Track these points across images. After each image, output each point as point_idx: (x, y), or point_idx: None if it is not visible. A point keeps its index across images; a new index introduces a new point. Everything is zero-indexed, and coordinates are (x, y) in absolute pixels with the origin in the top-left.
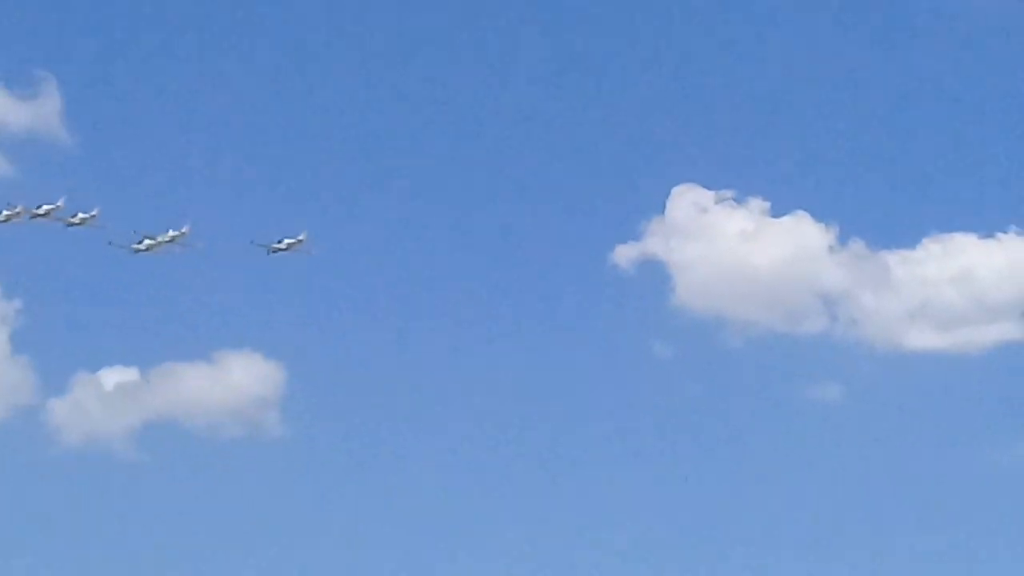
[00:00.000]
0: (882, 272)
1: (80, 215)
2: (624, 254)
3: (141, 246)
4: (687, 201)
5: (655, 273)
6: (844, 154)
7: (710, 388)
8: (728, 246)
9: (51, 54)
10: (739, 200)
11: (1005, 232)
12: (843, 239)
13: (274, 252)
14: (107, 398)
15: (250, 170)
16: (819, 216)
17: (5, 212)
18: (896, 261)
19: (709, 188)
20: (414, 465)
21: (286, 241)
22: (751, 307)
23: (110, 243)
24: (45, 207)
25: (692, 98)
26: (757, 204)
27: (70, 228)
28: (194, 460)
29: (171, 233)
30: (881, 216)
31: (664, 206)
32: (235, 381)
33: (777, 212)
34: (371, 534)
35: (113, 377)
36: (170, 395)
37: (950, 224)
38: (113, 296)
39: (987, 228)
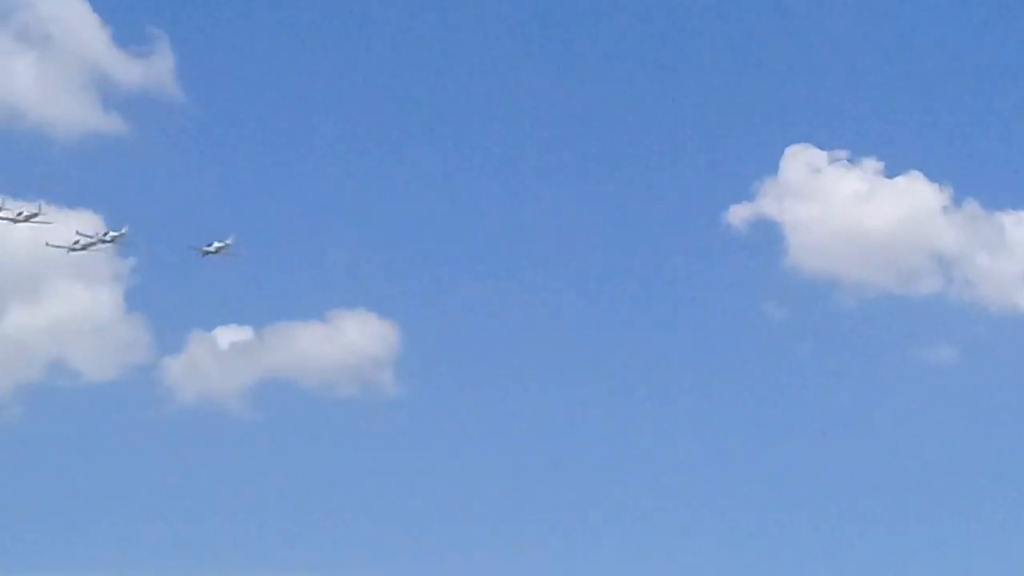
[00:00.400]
0: (997, 233)
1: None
2: (737, 214)
3: None
4: (800, 161)
5: (768, 234)
6: (958, 114)
7: (823, 350)
8: (842, 207)
9: (164, 11)
10: (853, 160)
11: None
12: (957, 200)
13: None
14: (222, 357)
15: (347, 124)
16: (933, 176)
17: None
18: (1011, 222)
19: (823, 148)
20: (525, 424)
21: (215, 245)
22: (864, 268)
23: None
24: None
25: (806, 58)
26: (871, 164)
27: None
28: (308, 419)
29: None
30: (996, 176)
31: (777, 166)
32: (349, 340)
33: (891, 172)
34: (483, 492)
35: (228, 336)
36: (284, 354)
37: None
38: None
39: None
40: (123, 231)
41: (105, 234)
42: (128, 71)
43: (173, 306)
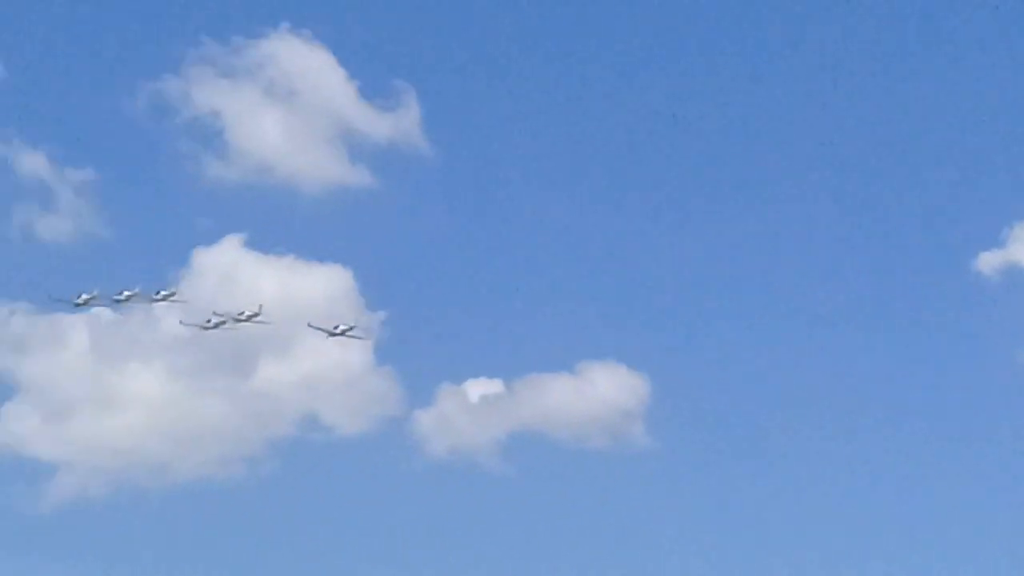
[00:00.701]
0: None
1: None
2: (987, 261)
3: None
4: None
5: (1020, 280)
6: None
7: None
8: None
9: (410, 65)
10: None
11: None
12: None
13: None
14: (472, 409)
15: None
16: None
17: None
18: None
19: None
20: (779, 478)
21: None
22: None
23: None
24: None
25: None
26: None
27: None
28: (559, 471)
29: None
30: None
31: None
32: (599, 392)
33: None
34: (734, 546)
35: (478, 388)
36: (535, 406)
37: None
38: (478, 308)
39: None
40: (258, 310)
41: (240, 313)
42: (375, 124)
43: (423, 359)
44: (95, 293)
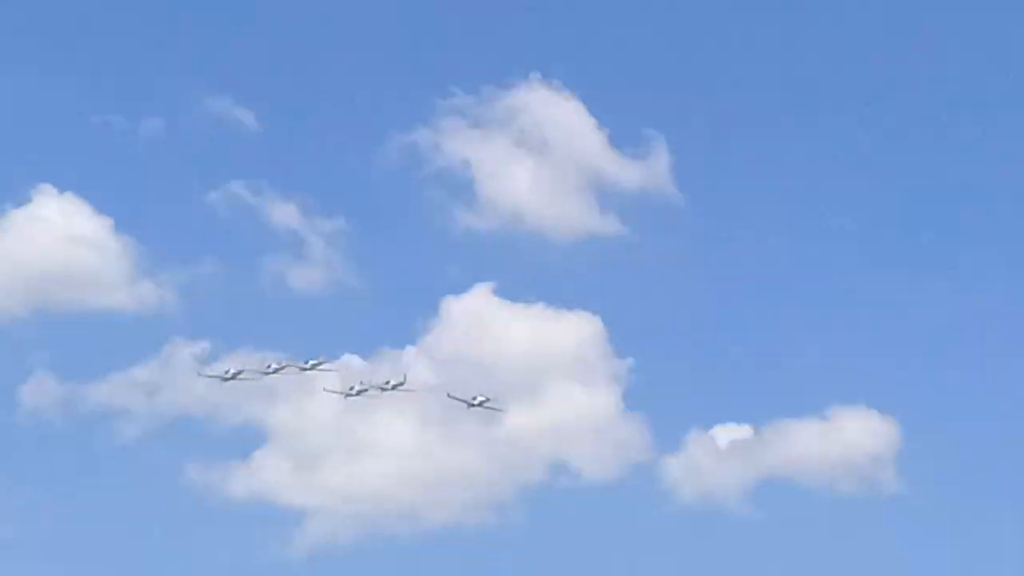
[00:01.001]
0: None
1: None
2: None
3: None
4: None
5: None
6: None
7: None
8: None
9: (660, 113)
10: None
11: None
12: None
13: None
14: (721, 455)
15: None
16: None
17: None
18: None
19: None
20: None
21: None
22: None
23: None
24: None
25: None
26: None
27: None
28: (808, 517)
29: None
30: None
31: None
32: (849, 437)
33: None
34: None
35: (727, 434)
36: (784, 452)
37: None
38: (726, 353)
39: None
40: (403, 379)
41: (386, 382)
42: (625, 172)
43: (672, 405)
44: (242, 369)
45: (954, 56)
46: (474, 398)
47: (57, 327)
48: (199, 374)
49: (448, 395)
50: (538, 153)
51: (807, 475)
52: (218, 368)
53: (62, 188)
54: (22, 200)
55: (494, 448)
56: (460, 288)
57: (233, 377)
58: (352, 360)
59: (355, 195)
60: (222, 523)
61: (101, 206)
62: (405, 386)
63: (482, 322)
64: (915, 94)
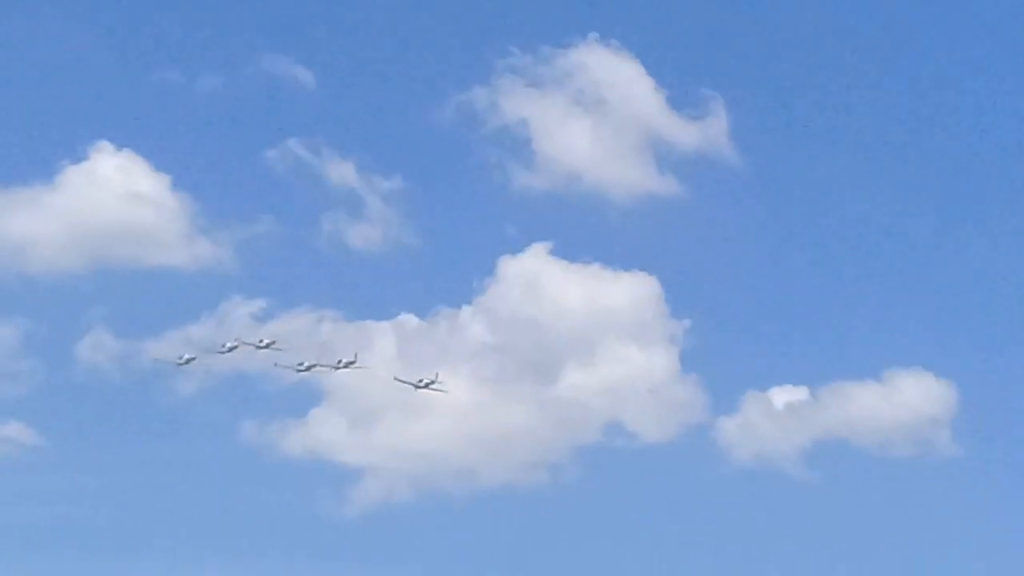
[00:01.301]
0: None
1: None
2: None
3: None
4: None
5: None
6: None
7: None
8: None
9: (718, 74)
10: None
11: None
12: None
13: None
14: (777, 417)
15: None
16: None
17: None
18: None
19: None
20: None
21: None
22: None
23: None
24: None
25: None
26: None
27: None
28: (864, 479)
29: None
30: None
31: None
32: (905, 400)
33: None
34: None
35: (783, 396)
36: (840, 414)
37: None
38: (783, 315)
39: None
40: (354, 358)
41: (339, 361)
42: (682, 133)
43: (728, 367)
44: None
45: None
46: (420, 380)
47: (114, 284)
48: (155, 358)
49: (395, 378)
50: (596, 113)
51: (863, 437)
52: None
53: (120, 145)
54: (80, 157)
55: (550, 408)
56: (517, 248)
57: (187, 363)
58: (409, 320)
59: (412, 154)
60: (278, 481)
61: (159, 163)
62: (356, 364)
63: (538, 282)
64: (977, 53)
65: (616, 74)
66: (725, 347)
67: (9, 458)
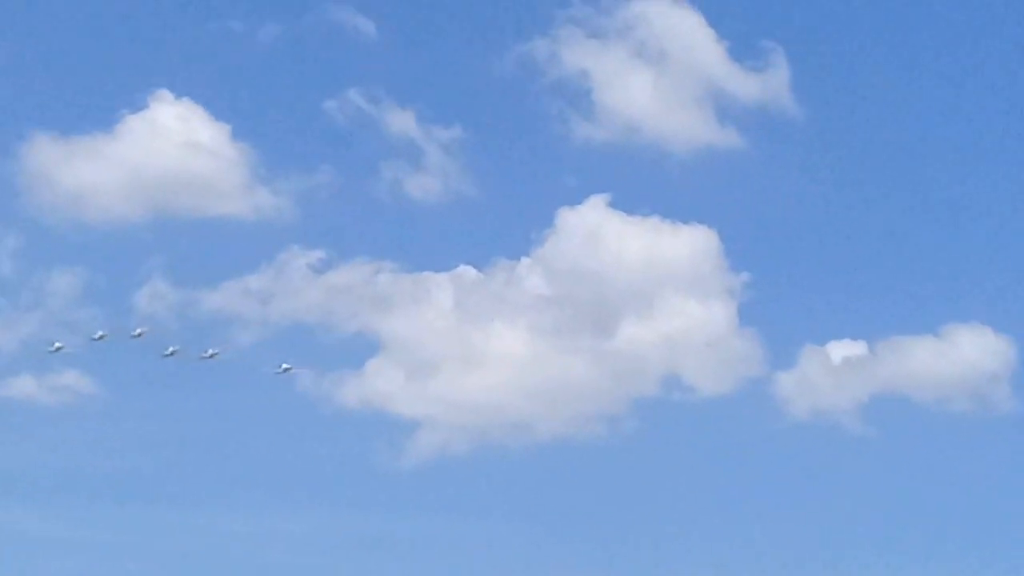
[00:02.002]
0: None
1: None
2: None
3: None
4: None
5: None
6: None
7: None
8: None
9: (779, 25)
10: None
11: None
12: None
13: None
14: (835, 371)
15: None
16: None
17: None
18: None
19: None
20: None
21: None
22: None
23: None
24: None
25: None
26: None
27: None
28: (922, 434)
29: None
30: None
31: None
32: (964, 355)
33: None
34: None
35: (841, 350)
36: (898, 369)
37: None
38: (842, 269)
39: None
40: (220, 350)
41: (205, 351)
42: (743, 85)
43: (786, 320)
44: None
45: None
46: (280, 366)
47: (173, 233)
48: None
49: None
50: (656, 64)
51: (921, 392)
52: None
53: (179, 94)
54: (139, 106)
55: (607, 360)
56: (576, 199)
57: (57, 351)
58: (467, 271)
59: (472, 104)
60: (334, 432)
61: (218, 113)
62: (220, 355)
63: (597, 234)
64: None
65: (677, 25)
66: (783, 301)
67: (66, 406)
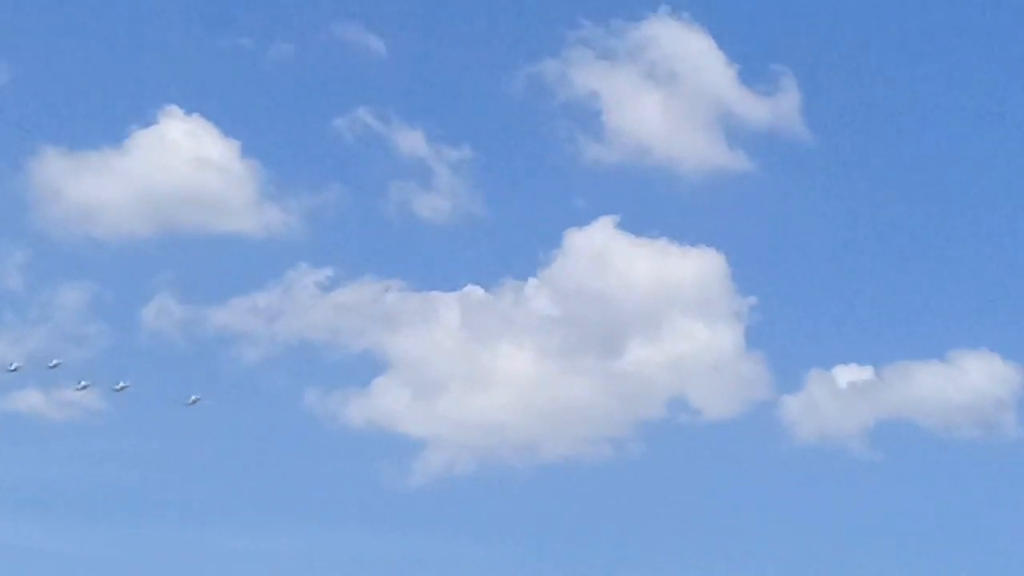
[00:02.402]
0: None
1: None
2: None
3: None
4: None
5: None
6: None
7: None
8: None
9: (789, 49)
10: None
11: None
12: None
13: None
14: (841, 395)
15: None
16: None
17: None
18: None
19: None
20: None
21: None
22: None
23: None
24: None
25: None
26: None
27: None
28: (928, 460)
29: None
30: None
31: None
32: (971, 381)
33: None
34: None
35: (847, 375)
36: (904, 394)
37: None
38: (849, 294)
39: None
40: (128, 385)
41: (117, 384)
42: (753, 109)
43: (793, 344)
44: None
45: None
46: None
47: (181, 249)
48: None
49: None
50: (666, 86)
51: (928, 417)
52: None
53: (189, 110)
54: (149, 121)
55: (614, 382)
56: (584, 220)
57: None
58: (474, 291)
59: (482, 124)
60: (340, 450)
61: (228, 129)
62: (128, 388)
63: (605, 255)
64: None
65: (687, 48)
66: (790, 325)
67: (73, 421)
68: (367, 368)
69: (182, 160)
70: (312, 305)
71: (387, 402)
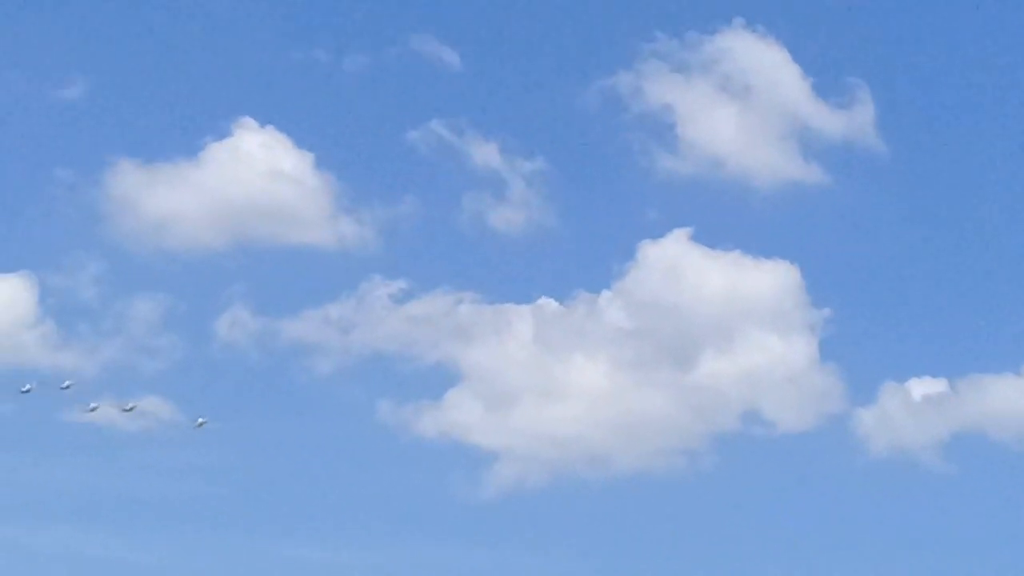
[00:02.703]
0: None
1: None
2: None
3: None
4: None
5: None
6: None
7: None
8: None
9: (864, 62)
10: None
11: None
12: None
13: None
14: (915, 408)
15: None
16: None
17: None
18: None
19: None
20: None
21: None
22: None
23: None
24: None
25: None
26: None
27: None
28: (1002, 473)
29: None
30: None
31: None
32: None
33: None
34: None
35: (921, 388)
36: (978, 406)
37: None
38: (923, 306)
39: None
40: (136, 404)
41: (126, 404)
42: (828, 121)
43: (867, 357)
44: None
45: None
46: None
47: (255, 261)
48: None
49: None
50: (741, 99)
51: (1002, 430)
52: None
53: (263, 122)
54: (223, 133)
55: (687, 394)
56: (658, 232)
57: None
58: (548, 303)
59: (556, 137)
60: (412, 462)
61: (302, 141)
62: (137, 409)
63: (678, 268)
64: None
65: (762, 60)
66: (864, 337)
67: (147, 433)
68: (440, 380)
69: (256, 172)
70: (385, 317)
71: (460, 414)
